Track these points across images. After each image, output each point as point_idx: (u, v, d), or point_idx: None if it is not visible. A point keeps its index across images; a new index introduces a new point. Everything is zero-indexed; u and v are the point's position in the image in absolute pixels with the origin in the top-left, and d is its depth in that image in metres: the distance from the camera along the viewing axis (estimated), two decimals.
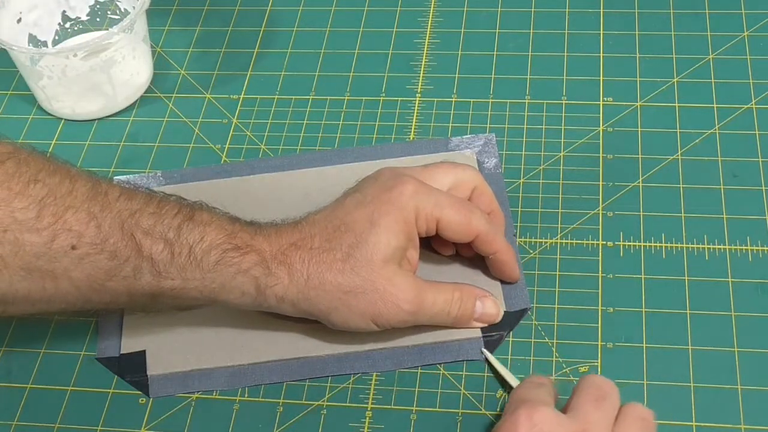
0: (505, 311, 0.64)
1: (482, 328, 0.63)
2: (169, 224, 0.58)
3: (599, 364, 0.61)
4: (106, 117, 0.79)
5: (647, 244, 0.67)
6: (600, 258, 0.66)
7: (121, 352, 0.64)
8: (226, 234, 0.59)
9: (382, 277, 0.59)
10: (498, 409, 0.60)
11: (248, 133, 0.76)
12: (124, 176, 0.74)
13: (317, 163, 0.73)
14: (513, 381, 0.60)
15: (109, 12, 0.83)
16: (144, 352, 0.64)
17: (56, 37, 0.82)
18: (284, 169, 0.73)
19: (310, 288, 0.59)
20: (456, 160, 0.71)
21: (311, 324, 0.63)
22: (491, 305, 0.63)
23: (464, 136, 0.73)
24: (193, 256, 0.58)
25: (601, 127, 0.73)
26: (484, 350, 0.62)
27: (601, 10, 0.82)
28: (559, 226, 0.68)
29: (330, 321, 0.60)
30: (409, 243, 0.60)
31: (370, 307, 0.59)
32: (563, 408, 0.54)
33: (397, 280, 0.59)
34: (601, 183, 0.70)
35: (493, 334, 0.63)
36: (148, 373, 0.63)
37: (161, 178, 0.73)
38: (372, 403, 0.61)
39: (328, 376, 0.62)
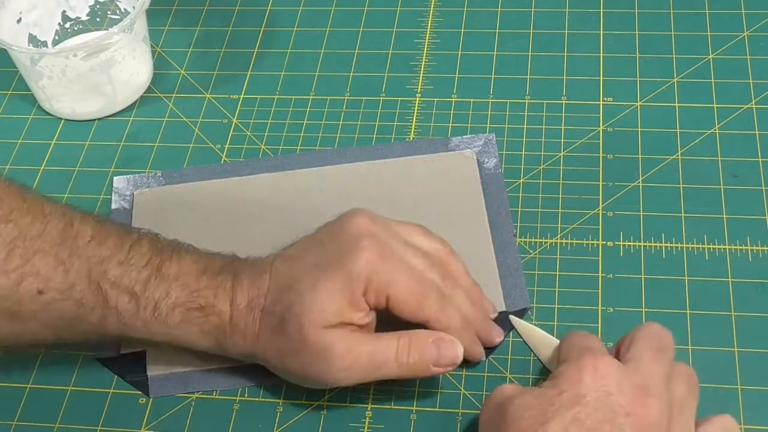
0: (505, 311, 0.63)
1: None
2: (136, 278, 0.58)
3: None
4: (106, 117, 0.79)
5: (647, 244, 0.67)
6: (600, 258, 0.66)
7: (121, 352, 0.64)
8: (190, 292, 0.58)
9: (312, 339, 0.57)
10: None
11: (248, 133, 0.76)
12: (125, 176, 0.73)
13: (317, 162, 0.73)
14: (553, 340, 0.60)
15: (109, 12, 0.83)
16: (144, 351, 0.64)
17: (56, 37, 0.82)
18: (284, 169, 0.73)
19: (259, 348, 0.59)
20: (456, 160, 0.71)
21: None
22: (448, 347, 0.58)
23: (464, 136, 0.73)
24: (158, 312, 0.58)
25: (601, 127, 0.73)
26: (512, 317, 0.62)
27: (601, 10, 0.82)
28: (559, 226, 0.68)
29: (283, 377, 0.60)
30: (351, 310, 0.57)
31: (304, 369, 0.58)
32: (615, 354, 0.55)
33: (327, 340, 0.57)
34: (601, 183, 0.70)
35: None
36: (148, 373, 0.63)
37: (161, 178, 0.73)
38: (372, 403, 0.61)
39: None
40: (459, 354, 0.58)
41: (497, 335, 0.62)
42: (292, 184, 0.72)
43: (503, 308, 0.64)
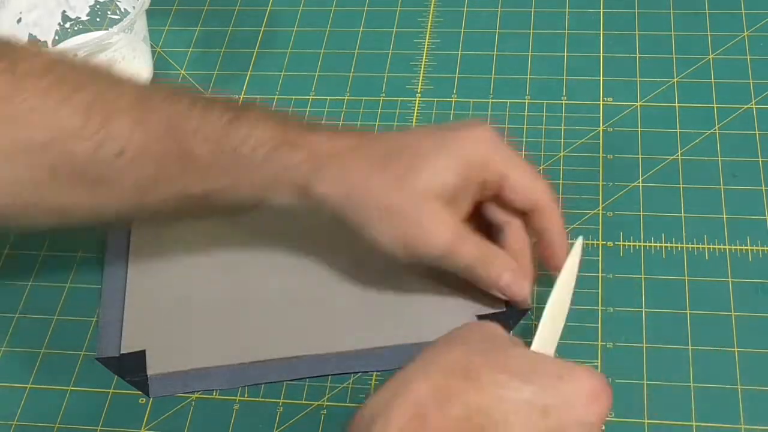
0: (506, 309, 0.63)
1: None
2: (216, 123, 0.57)
3: (599, 364, 0.61)
4: None
5: (647, 244, 0.67)
6: (600, 258, 0.66)
7: (121, 351, 0.64)
8: (276, 130, 0.58)
9: (428, 207, 0.57)
10: None
11: None
12: None
13: None
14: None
15: (109, 12, 0.83)
16: (144, 351, 0.64)
17: (56, 37, 0.82)
18: None
19: (354, 194, 0.58)
20: None
21: (310, 323, 0.63)
22: (520, 283, 0.61)
23: None
24: (239, 153, 0.57)
25: (601, 127, 0.73)
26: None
27: (601, 10, 0.82)
28: None
29: (364, 236, 0.59)
30: (465, 188, 0.59)
31: (405, 232, 0.58)
32: None
33: (440, 217, 0.58)
34: (601, 183, 0.70)
35: None
36: (148, 372, 0.63)
37: None
38: None
39: (328, 375, 0.62)
40: (526, 291, 0.61)
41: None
42: None
43: (503, 308, 0.63)
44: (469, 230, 0.60)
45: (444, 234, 0.58)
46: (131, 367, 0.63)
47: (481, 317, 0.63)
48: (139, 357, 0.63)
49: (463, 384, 0.46)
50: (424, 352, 0.48)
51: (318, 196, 0.58)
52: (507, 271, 0.61)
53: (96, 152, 0.55)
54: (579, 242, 0.59)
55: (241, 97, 0.79)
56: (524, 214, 0.62)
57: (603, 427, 0.57)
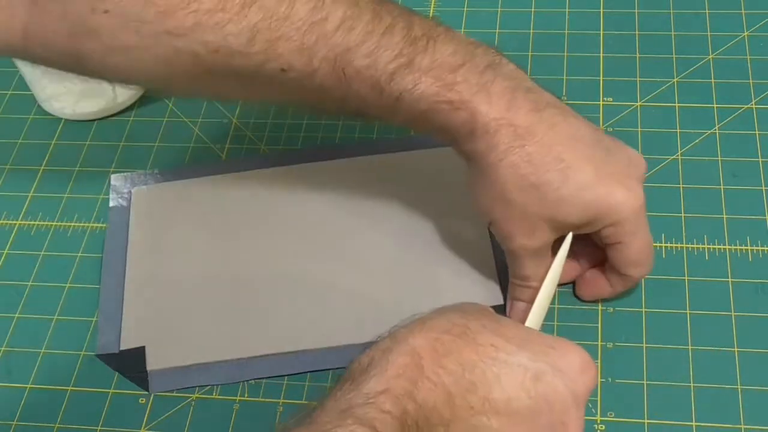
0: (502, 305, 0.63)
1: None
2: (383, 69, 0.55)
3: (599, 364, 0.61)
4: (106, 117, 0.79)
5: None
6: None
7: (121, 348, 0.64)
8: (443, 85, 0.55)
9: (539, 225, 0.57)
10: None
11: (248, 133, 0.76)
12: (122, 174, 0.73)
13: (315, 158, 0.73)
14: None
15: None
16: (143, 347, 0.64)
17: None
18: (282, 165, 0.73)
19: (490, 172, 0.57)
20: (454, 154, 0.71)
21: (311, 317, 0.63)
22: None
23: None
24: (401, 101, 0.56)
25: (601, 127, 0.73)
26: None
27: (601, 10, 0.82)
28: None
29: (488, 207, 0.59)
30: (583, 226, 0.59)
31: (509, 231, 0.58)
32: None
33: (543, 237, 0.58)
34: None
35: None
36: (148, 368, 0.63)
37: (159, 176, 0.73)
38: None
39: (328, 369, 0.62)
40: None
41: None
42: (289, 180, 0.72)
43: (500, 302, 0.64)
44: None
45: (534, 245, 0.59)
46: (131, 364, 0.63)
47: None
48: (139, 353, 0.63)
49: (459, 341, 0.48)
50: (420, 317, 0.50)
51: (460, 148, 0.58)
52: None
53: (259, 68, 0.54)
54: (569, 237, 0.59)
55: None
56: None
57: (603, 428, 0.58)
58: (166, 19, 0.52)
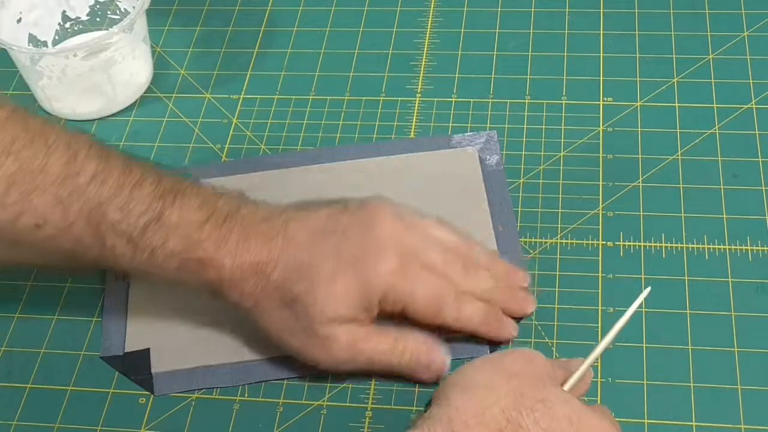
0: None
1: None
2: (135, 224, 0.57)
3: (599, 364, 0.61)
4: (106, 117, 0.79)
5: (647, 244, 0.67)
6: (600, 258, 0.66)
7: (126, 350, 0.64)
8: (190, 243, 0.58)
9: (319, 330, 0.58)
10: None
11: (248, 133, 0.76)
12: None
13: (321, 159, 0.73)
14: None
15: (109, 12, 0.83)
16: (148, 350, 0.64)
17: (56, 37, 0.82)
18: (287, 166, 0.73)
19: (257, 312, 0.59)
20: (458, 157, 0.71)
21: None
22: (437, 355, 0.60)
23: (465, 134, 0.73)
24: (154, 258, 0.58)
25: (601, 127, 0.73)
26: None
27: (601, 10, 0.82)
28: (559, 226, 0.68)
29: (275, 344, 0.61)
30: (363, 313, 0.59)
31: (303, 350, 0.60)
32: None
33: (333, 334, 0.58)
34: (601, 183, 0.70)
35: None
36: (153, 370, 0.63)
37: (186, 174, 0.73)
38: (372, 403, 0.61)
39: (328, 373, 0.62)
40: (447, 363, 0.60)
41: (528, 305, 0.63)
42: (296, 181, 0.72)
43: (487, 352, 0.62)
44: (368, 332, 0.59)
45: (340, 347, 0.59)
46: (135, 366, 0.63)
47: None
48: (144, 355, 0.63)
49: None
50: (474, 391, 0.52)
51: (226, 300, 0.60)
52: (427, 354, 0.60)
53: (15, 222, 0.56)
54: (645, 292, 0.58)
55: (241, 97, 0.79)
56: None
57: None
58: None
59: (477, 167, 0.71)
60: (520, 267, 0.65)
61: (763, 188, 0.69)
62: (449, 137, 0.73)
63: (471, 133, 0.73)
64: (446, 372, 0.60)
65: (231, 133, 0.77)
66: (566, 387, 0.54)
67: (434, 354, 0.60)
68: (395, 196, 0.68)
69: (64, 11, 0.81)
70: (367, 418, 0.60)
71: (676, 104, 0.74)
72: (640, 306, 0.56)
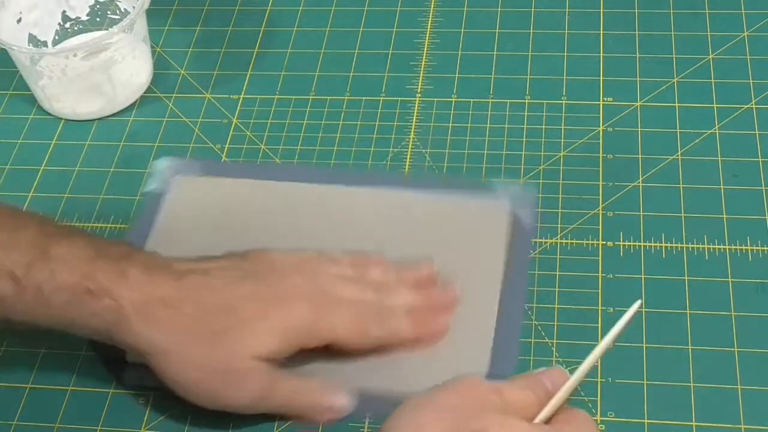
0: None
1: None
2: (19, 260, 0.56)
3: (599, 364, 0.61)
4: (106, 117, 0.79)
5: (647, 244, 0.67)
6: (600, 258, 0.66)
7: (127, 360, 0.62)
8: (81, 275, 0.56)
9: (243, 364, 0.57)
10: None
11: (248, 133, 0.76)
12: (167, 158, 0.74)
13: (357, 182, 0.71)
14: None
15: (109, 12, 0.83)
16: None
17: (56, 37, 0.82)
18: (319, 182, 0.71)
19: (161, 350, 0.57)
20: (488, 209, 0.69)
21: (334, 361, 0.61)
22: (335, 399, 0.59)
23: (505, 183, 0.70)
24: (41, 295, 0.56)
25: (601, 127, 0.73)
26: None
27: (601, 10, 0.82)
28: (559, 226, 0.68)
29: (176, 391, 0.59)
30: (285, 350, 0.58)
31: (216, 389, 0.58)
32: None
33: (257, 368, 0.57)
34: (601, 183, 0.70)
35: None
36: (128, 359, 0.61)
37: (200, 168, 0.73)
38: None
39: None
40: (346, 404, 0.59)
41: (452, 293, 0.62)
42: (324, 200, 0.70)
43: (486, 369, 0.61)
44: (280, 373, 0.58)
45: (250, 392, 0.57)
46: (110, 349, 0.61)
47: None
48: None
49: None
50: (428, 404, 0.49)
51: (122, 343, 0.58)
52: (315, 399, 0.59)
53: None
54: (635, 306, 0.51)
55: (241, 97, 0.79)
56: None
57: (603, 428, 0.58)
58: None
59: (504, 224, 0.67)
60: (512, 342, 0.62)
61: (763, 188, 0.69)
62: (489, 184, 0.70)
63: (510, 182, 0.71)
64: (345, 412, 0.59)
65: (231, 133, 0.77)
66: (540, 417, 0.50)
67: (334, 398, 0.59)
68: (413, 237, 0.67)
69: (64, 11, 0.82)
70: (367, 419, 0.60)
71: (676, 104, 0.74)
72: (629, 319, 0.51)
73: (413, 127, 0.75)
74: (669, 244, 0.66)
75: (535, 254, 0.67)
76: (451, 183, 0.71)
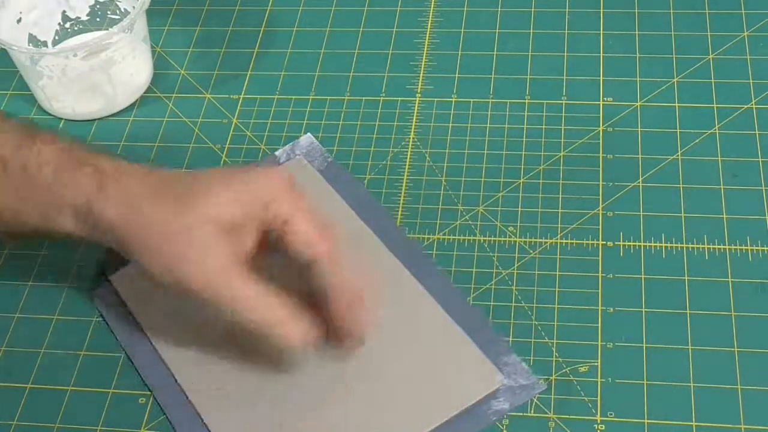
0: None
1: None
2: (6, 141, 0.58)
3: (599, 364, 0.61)
4: (106, 117, 0.79)
5: (647, 244, 0.67)
6: (600, 258, 0.66)
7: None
8: (64, 150, 0.59)
9: (200, 233, 0.56)
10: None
11: (248, 133, 0.76)
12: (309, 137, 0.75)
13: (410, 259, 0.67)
14: None
15: (109, 12, 0.83)
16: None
17: (56, 37, 0.82)
18: (386, 239, 0.68)
19: (133, 218, 0.57)
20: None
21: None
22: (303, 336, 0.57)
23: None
24: (28, 172, 0.58)
25: (601, 127, 0.73)
26: None
27: (601, 10, 0.82)
28: (559, 226, 0.68)
29: (142, 264, 0.57)
30: (245, 224, 0.57)
31: (173, 259, 0.56)
32: None
33: (210, 245, 0.56)
34: (601, 183, 0.70)
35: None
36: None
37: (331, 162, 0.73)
38: None
39: None
40: (308, 342, 0.58)
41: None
42: (376, 251, 0.67)
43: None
44: (249, 274, 0.56)
45: (210, 264, 0.56)
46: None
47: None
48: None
49: None
50: None
51: (98, 217, 0.57)
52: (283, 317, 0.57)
53: None
54: None
55: (241, 97, 0.79)
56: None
57: (603, 428, 0.58)
58: None
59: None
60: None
61: (763, 188, 0.69)
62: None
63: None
64: (300, 338, 0.57)
65: (231, 133, 0.77)
66: None
67: (303, 327, 0.57)
68: None
69: (64, 11, 0.82)
70: None
71: (676, 104, 0.74)
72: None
73: (413, 127, 0.75)
74: (669, 244, 0.66)
75: (535, 254, 0.67)
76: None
